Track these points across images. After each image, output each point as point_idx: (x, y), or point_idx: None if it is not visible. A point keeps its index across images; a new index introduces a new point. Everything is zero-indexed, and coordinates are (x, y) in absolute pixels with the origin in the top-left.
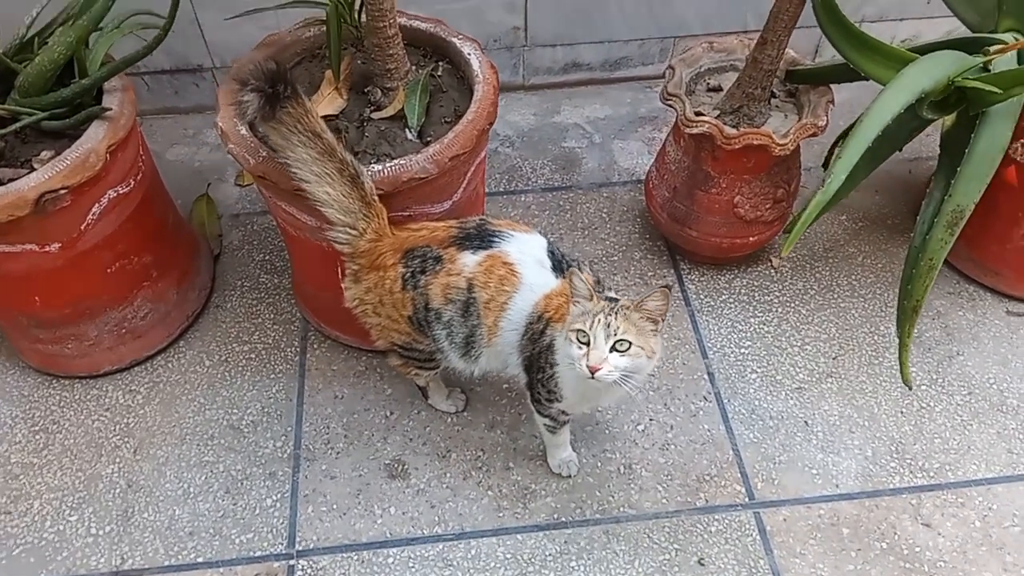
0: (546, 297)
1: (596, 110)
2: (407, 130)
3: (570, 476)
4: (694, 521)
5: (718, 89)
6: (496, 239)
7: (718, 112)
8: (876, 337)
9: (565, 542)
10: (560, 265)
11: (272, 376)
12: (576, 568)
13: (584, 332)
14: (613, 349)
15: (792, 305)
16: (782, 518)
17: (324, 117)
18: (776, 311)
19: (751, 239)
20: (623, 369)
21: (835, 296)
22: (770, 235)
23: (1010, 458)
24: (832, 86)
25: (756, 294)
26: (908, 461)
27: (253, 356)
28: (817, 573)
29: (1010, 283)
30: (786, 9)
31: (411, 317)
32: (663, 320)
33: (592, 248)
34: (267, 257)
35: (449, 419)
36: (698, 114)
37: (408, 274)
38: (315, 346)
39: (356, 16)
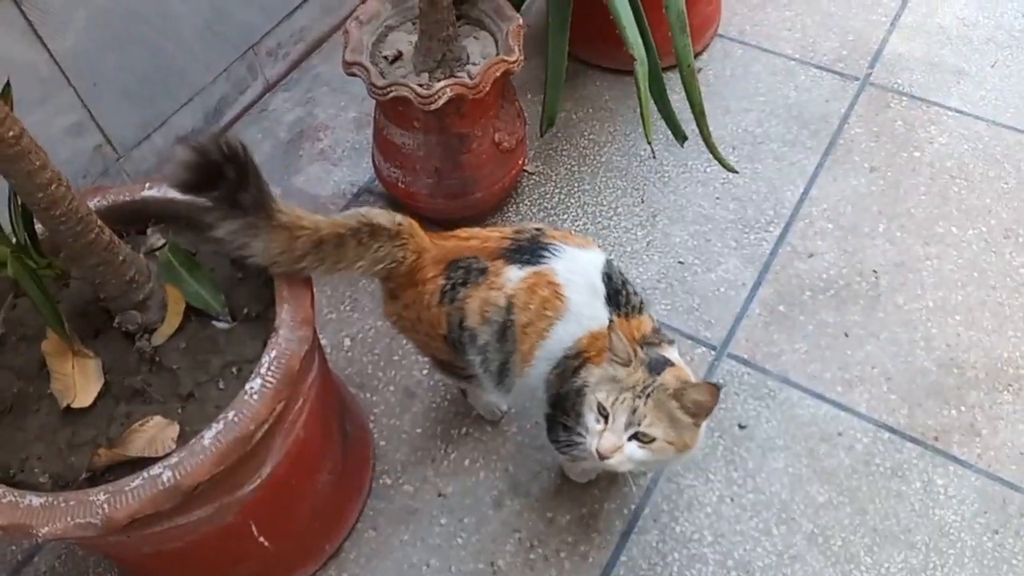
0: (592, 335)
1: None
2: (216, 322)
3: (596, 477)
4: None
5: (399, 56)
6: (545, 254)
7: (426, 75)
8: (653, 159)
9: (659, 523)
10: (618, 296)
11: None
12: (693, 517)
13: (604, 407)
14: (634, 437)
15: (576, 190)
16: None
17: (93, 404)
18: (573, 204)
19: (519, 162)
20: (640, 461)
21: (592, 155)
22: (524, 149)
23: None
24: None
25: (548, 204)
26: (776, 210)
27: None
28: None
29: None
30: None
31: (446, 336)
32: (707, 415)
33: None
34: None
35: (457, 539)
36: (426, 86)
37: (448, 286)
38: None
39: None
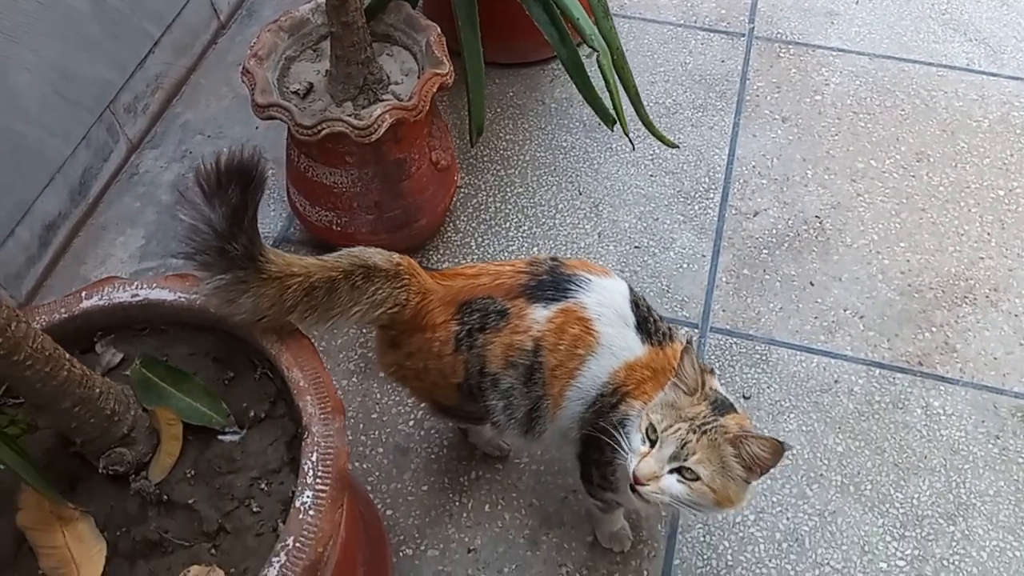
0: (628, 366)
1: (132, 239)
2: (222, 436)
3: (623, 551)
4: None
5: (311, 89)
6: (572, 287)
7: (349, 103)
8: (590, 150)
9: (700, 516)
10: (646, 323)
11: None
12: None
13: (655, 429)
14: (675, 471)
15: (510, 195)
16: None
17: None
18: (511, 210)
19: (455, 179)
20: (675, 497)
21: (515, 156)
22: (457, 164)
23: None
24: None
25: (486, 216)
26: (710, 176)
27: None
28: None
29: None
30: None
31: (461, 384)
32: (761, 474)
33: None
34: None
35: None
36: (357, 115)
37: (463, 332)
38: None
39: None
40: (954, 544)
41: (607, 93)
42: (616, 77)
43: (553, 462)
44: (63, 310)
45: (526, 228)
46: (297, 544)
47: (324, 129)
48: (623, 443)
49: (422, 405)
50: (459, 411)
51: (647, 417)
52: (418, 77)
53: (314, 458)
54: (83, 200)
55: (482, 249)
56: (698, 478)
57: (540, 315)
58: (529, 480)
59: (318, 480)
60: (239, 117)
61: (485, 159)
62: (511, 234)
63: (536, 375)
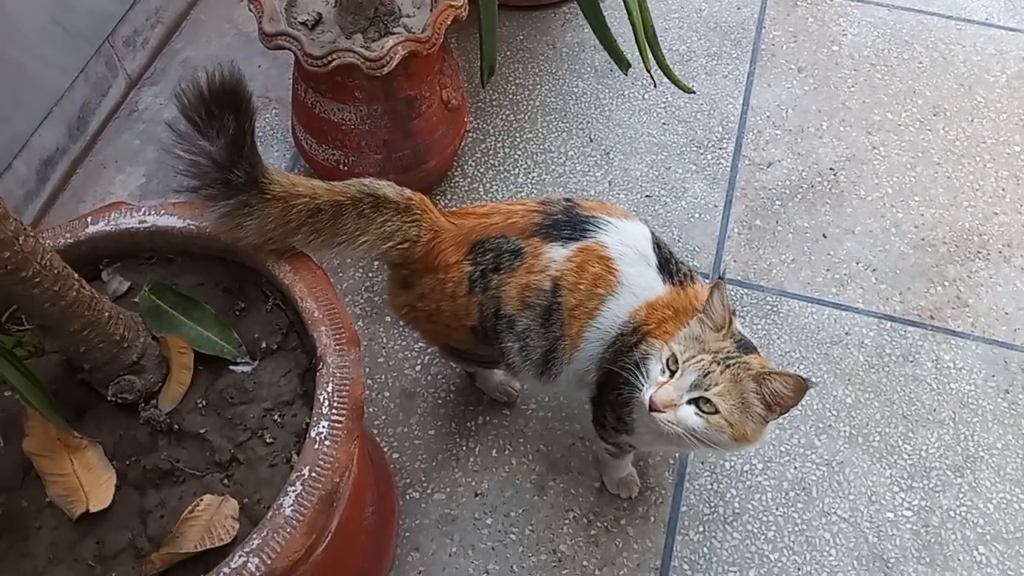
0: (649, 305)
1: (132, 177)
2: (233, 367)
3: (630, 497)
4: None
5: (320, 20)
6: (591, 227)
7: (359, 36)
8: (601, 96)
9: (708, 464)
10: (668, 265)
11: None
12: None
13: (676, 360)
14: (694, 401)
15: (519, 140)
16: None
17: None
18: (520, 156)
19: (465, 120)
20: (689, 429)
21: (524, 100)
22: (467, 105)
23: None
24: None
25: (494, 161)
26: (723, 126)
27: None
28: None
29: None
30: None
31: (475, 327)
32: (781, 413)
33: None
34: None
35: (509, 536)
36: (369, 47)
37: (477, 273)
38: None
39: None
40: (961, 496)
41: (621, 37)
42: (638, 13)
43: (561, 408)
44: (68, 235)
45: (535, 175)
46: (313, 474)
47: (334, 60)
48: (642, 382)
49: (431, 349)
50: (472, 354)
51: (669, 348)
52: (431, 10)
53: (329, 389)
54: (81, 136)
55: (490, 195)
56: (716, 411)
57: (558, 254)
58: (536, 426)
59: (334, 411)
60: (241, 55)
61: (494, 104)
62: (520, 180)
63: (554, 315)
